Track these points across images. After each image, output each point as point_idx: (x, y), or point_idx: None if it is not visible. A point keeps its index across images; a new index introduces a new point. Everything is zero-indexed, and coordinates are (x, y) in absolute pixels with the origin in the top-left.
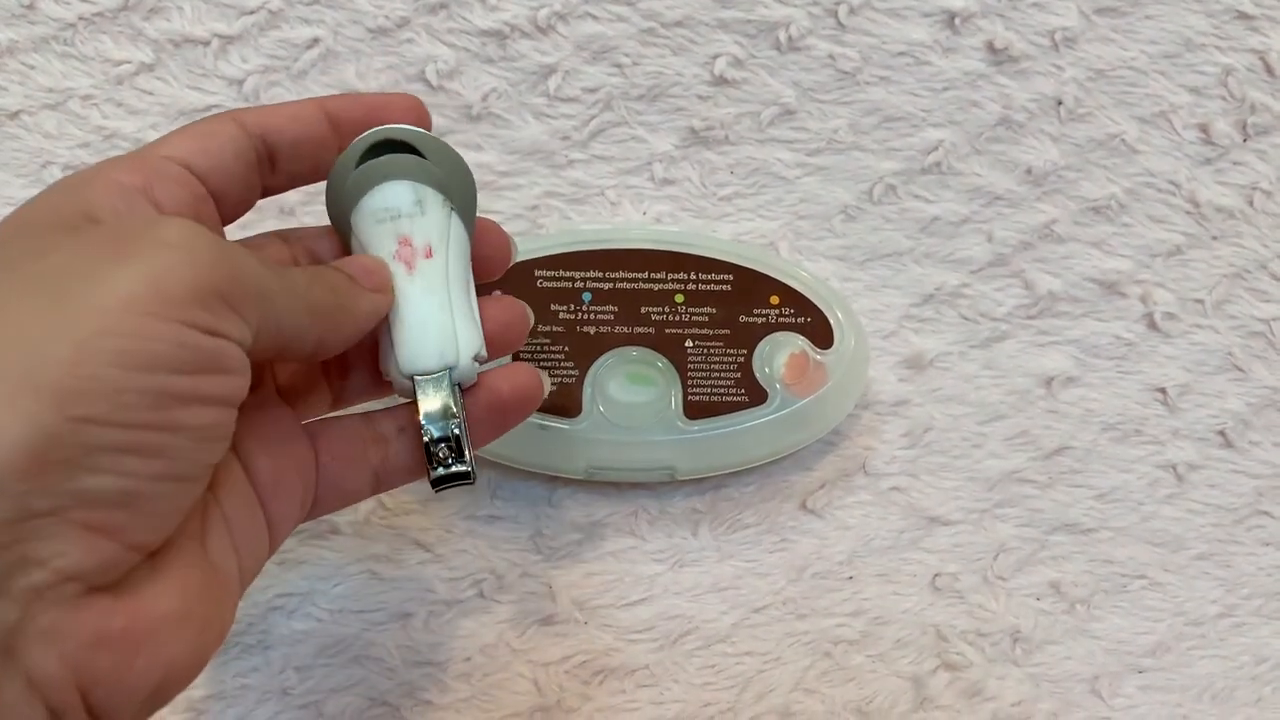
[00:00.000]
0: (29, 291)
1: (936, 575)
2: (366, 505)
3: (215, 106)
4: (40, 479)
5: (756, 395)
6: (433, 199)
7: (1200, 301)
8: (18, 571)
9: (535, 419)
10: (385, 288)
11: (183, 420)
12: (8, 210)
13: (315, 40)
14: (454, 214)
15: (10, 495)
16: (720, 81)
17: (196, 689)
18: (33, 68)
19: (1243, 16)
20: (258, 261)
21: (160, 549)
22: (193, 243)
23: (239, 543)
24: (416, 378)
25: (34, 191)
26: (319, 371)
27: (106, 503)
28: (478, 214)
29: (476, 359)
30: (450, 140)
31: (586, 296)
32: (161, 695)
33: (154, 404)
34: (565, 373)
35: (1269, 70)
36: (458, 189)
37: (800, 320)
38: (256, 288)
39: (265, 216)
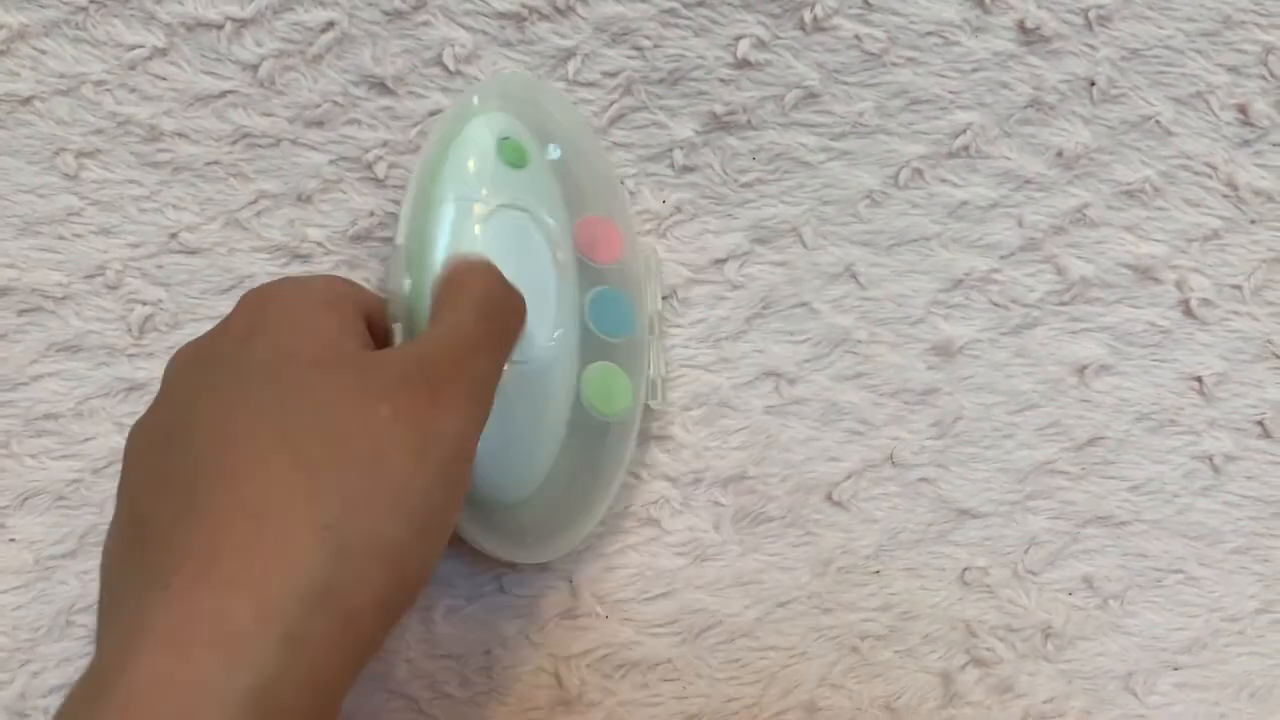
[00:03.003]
0: None
1: (965, 569)
2: None
3: (230, 93)
4: None
5: None
6: None
7: (1238, 287)
8: None
9: None
10: None
11: None
12: (20, 196)
13: (330, 23)
14: None
15: None
16: (743, 64)
17: None
18: (44, 52)
19: None
20: None
21: None
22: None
23: None
24: None
25: (47, 179)
26: None
27: None
28: None
29: None
30: None
31: None
32: None
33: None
34: None
35: None
36: None
37: None
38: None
39: None
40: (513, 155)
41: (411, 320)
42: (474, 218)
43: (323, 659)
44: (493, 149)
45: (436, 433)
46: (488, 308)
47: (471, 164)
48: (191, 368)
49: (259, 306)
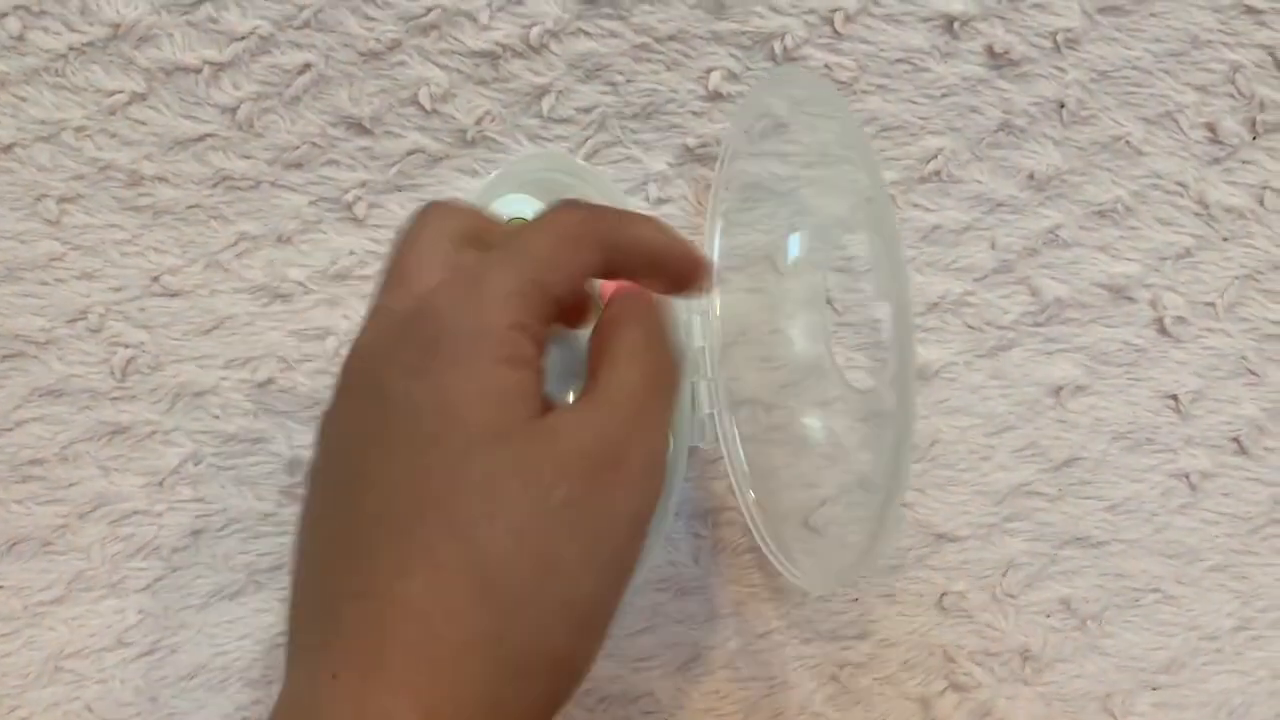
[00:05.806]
0: None
1: (944, 594)
2: None
3: (209, 135)
4: None
5: None
6: None
7: (1212, 305)
8: None
9: None
10: None
11: None
12: (2, 242)
13: (307, 65)
14: None
15: None
16: (715, 96)
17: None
18: (24, 99)
19: (1251, 11)
20: None
21: None
22: None
23: None
24: None
25: (29, 225)
26: None
27: None
28: None
29: None
30: (445, 165)
31: None
32: None
33: None
34: None
35: (1279, 65)
36: None
37: None
38: None
39: None
40: None
41: None
42: None
43: None
44: None
45: (612, 516)
46: (652, 361)
47: None
48: (366, 375)
49: (433, 332)
